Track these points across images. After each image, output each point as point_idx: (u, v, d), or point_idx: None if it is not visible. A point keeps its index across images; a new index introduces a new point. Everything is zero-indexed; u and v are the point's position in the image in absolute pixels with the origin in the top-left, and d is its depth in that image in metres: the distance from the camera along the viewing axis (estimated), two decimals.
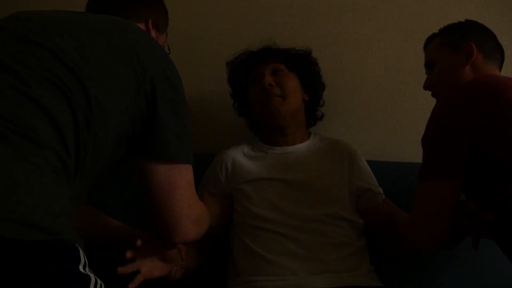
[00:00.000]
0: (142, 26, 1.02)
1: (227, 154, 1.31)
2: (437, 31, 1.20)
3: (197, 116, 1.57)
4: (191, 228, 0.92)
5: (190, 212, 0.90)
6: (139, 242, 0.94)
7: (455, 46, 1.12)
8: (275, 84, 1.26)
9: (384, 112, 1.56)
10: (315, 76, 1.37)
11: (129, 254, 0.94)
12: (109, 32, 0.83)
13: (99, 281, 0.62)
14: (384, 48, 1.56)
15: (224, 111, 1.57)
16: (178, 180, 0.87)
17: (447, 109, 0.98)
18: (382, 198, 1.25)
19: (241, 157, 1.30)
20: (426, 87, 1.21)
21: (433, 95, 1.20)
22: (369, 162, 1.31)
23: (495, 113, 0.92)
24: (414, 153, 1.48)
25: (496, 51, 1.13)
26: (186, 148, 0.87)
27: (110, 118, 0.77)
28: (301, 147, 1.30)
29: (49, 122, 0.67)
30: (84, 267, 0.61)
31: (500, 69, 1.14)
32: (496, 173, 0.93)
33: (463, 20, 1.20)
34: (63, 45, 0.75)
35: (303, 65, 1.35)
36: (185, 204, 0.89)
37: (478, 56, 1.09)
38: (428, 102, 1.49)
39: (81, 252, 0.62)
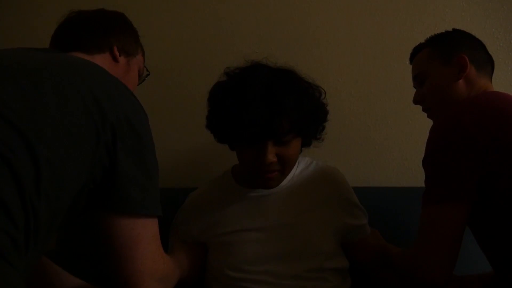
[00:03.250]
0: (107, 55, 0.95)
1: (199, 201, 1.18)
2: (423, 41, 1.14)
3: (170, 150, 1.54)
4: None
5: (154, 269, 0.81)
6: None
7: (446, 59, 1.05)
8: (277, 160, 1.03)
9: (362, 137, 1.55)
10: (321, 127, 1.14)
11: None
12: (63, 77, 0.74)
13: None
14: (359, 74, 1.55)
15: (197, 144, 1.53)
16: (142, 233, 0.78)
17: (455, 126, 0.91)
18: (369, 230, 1.19)
19: (213, 203, 1.15)
20: (416, 101, 1.13)
21: (424, 110, 1.13)
22: None
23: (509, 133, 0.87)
24: (392, 178, 1.49)
25: (487, 62, 1.08)
26: (152, 199, 0.79)
27: (65, 177, 0.69)
28: (281, 186, 1.13)
29: None
30: None
31: (491, 80, 1.09)
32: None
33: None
34: (6, 98, 0.66)
35: (313, 122, 1.09)
36: (148, 260, 0.79)
37: (471, 69, 1.03)
38: (407, 126, 1.50)
39: None
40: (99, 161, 0.73)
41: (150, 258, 0.79)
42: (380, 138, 1.54)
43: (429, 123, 1.44)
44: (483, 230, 0.97)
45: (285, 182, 1.14)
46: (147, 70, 1.08)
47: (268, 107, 0.99)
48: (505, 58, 1.54)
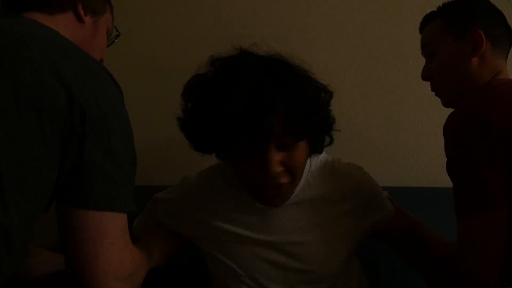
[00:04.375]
0: (70, 15, 0.81)
1: (197, 193, 0.98)
2: (436, 9, 1.01)
3: (162, 144, 1.53)
4: None
5: (120, 269, 0.70)
6: None
7: (460, 33, 0.94)
8: (283, 169, 0.84)
9: (365, 137, 1.52)
10: (328, 130, 0.93)
11: None
12: (17, 55, 0.64)
13: None
14: (362, 73, 1.52)
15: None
16: (110, 226, 0.68)
17: (483, 125, 0.81)
18: (392, 212, 1.01)
19: (210, 198, 0.96)
20: (424, 77, 1.01)
21: (432, 89, 1.01)
22: None
23: None
24: (394, 178, 1.47)
25: (505, 37, 0.96)
26: (121, 193, 0.69)
27: (34, 177, 0.62)
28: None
29: None
30: None
31: (507, 57, 0.97)
32: None
33: None
34: None
35: (319, 123, 0.88)
36: (114, 258, 0.69)
37: (486, 46, 0.92)
38: (409, 126, 1.48)
39: None
40: (67, 149, 0.64)
41: (116, 256, 0.70)
42: (383, 138, 1.53)
43: (433, 122, 1.42)
44: None
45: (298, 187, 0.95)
46: (117, 31, 0.95)
47: (264, 104, 0.79)
48: (510, 59, 1.53)
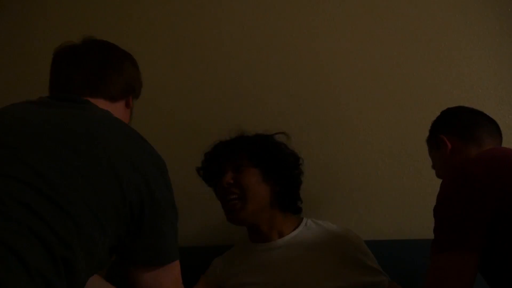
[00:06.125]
0: (123, 101, 0.94)
1: (220, 261, 1.28)
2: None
3: (203, 206, 1.50)
4: None
5: None
6: None
7: (435, 145, 1.19)
8: (233, 182, 1.18)
9: (390, 190, 1.52)
10: (280, 163, 1.25)
11: None
12: (87, 140, 0.74)
13: None
14: (386, 127, 1.54)
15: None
16: (165, 281, 0.83)
17: (467, 176, 0.93)
18: (387, 282, 1.17)
19: (230, 259, 1.26)
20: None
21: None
22: (378, 242, 1.22)
23: None
24: (423, 229, 1.41)
25: (471, 125, 1.14)
26: (174, 246, 0.84)
27: (93, 240, 0.70)
28: (286, 241, 1.21)
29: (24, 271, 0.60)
30: None
31: (492, 136, 1.13)
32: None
33: None
34: (38, 166, 0.67)
35: (265, 154, 1.23)
36: None
37: (453, 141, 1.13)
38: (433, 177, 1.46)
39: None
40: (124, 220, 0.75)
41: None
42: (413, 188, 1.51)
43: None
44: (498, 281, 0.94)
45: (290, 237, 1.21)
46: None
47: (234, 149, 1.23)
48: None
